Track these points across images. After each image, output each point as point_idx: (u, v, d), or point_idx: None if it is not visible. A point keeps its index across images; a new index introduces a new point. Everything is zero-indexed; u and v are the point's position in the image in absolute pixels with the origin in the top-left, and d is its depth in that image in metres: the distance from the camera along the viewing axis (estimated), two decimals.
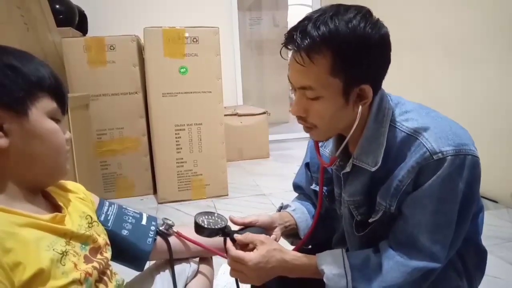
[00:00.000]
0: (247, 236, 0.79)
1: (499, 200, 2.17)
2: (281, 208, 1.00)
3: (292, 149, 3.87)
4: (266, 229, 0.89)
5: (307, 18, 0.67)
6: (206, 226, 0.78)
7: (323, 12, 0.67)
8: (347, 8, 0.67)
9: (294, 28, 0.68)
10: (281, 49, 0.71)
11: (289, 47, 0.69)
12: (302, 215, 0.96)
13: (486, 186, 2.19)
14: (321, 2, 4.36)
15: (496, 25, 2.12)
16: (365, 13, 0.67)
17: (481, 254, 0.82)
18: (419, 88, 2.73)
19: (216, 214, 0.83)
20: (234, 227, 0.87)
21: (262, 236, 0.80)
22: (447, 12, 2.46)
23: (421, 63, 2.72)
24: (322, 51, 0.65)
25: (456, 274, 0.77)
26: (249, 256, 0.75)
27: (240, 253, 0.76)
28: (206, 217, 0.81)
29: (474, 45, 2.28)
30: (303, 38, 0.66)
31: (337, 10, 0.66)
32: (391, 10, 2.96)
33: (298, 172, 1.06)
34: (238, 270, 0.77)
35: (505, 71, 2.10)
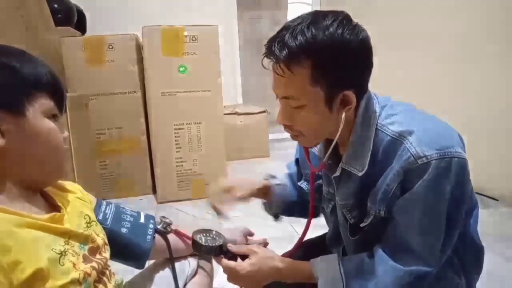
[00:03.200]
0: (241, 248, 0.82)
1: (499, 197, 2.17)
2: (269, 177, 1.03)
3: (292, 148, 3.83)
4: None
5: (285, 28, 0.68)
6: (203, 243, 0.81)
7: (301, 21, 0.67)
8: (325, 14, 0.67)
9: (273, 39, 0.69)
10: (262, 59, 0.71)
11: (270, 57, 0.69)
12: (284, 191, 0.99)
13: (486, 183, 2.19)
14: (321, 0, 4.35)
15: (495, 22, 2.12)
16: (342, 19, 0.66)
17: (478, 251, 0.82)
18: (416, 85, 2.73)
19: (214, 232, 0.85)
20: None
21: (255, 246, 0.82)
22: (444, 10, 2.46)
23: (418, 60, 2.72)
24: (301, 61, 0.66)
25: (453, 271, 0.77)
26: (241, 266, 0.78)
27: (231, 263, 0.79)
28: (204, 234, 0.83)
29: (470, 43, 2.28)
30: (282, 49, 0.66)
31: (314, 18, 0.66)
32: (390, 8, 2.95)
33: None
34: (233, 278, 0.80)
35: (504, 68, 2.09)
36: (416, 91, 2.68)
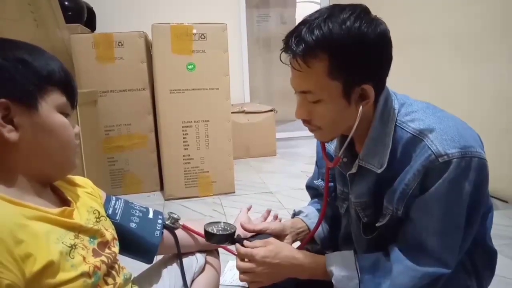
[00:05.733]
0: (255, 243, 0.80)
1: (509, 199, 2.15)
2: (294, 214, 1.01)
3: (299, 147, 3.86)
4: (277, 236, 0.89)
5: (303, 22, 0.67)
6: (215, 232, 0.81)
7: (318, 15, 0.66)
8: (342, 8, 0.66)
9: (290, 34, 0.68)
10: (280, 54, 0.71)
11: (288, 52, 0.69)
12: (315, 219, 0.96)
13: (496, 185, 2.16)
14: None
15: (507, 21, 2.09)
16: (359, 13, 0.66)
17: (490, 254, 0.81)
18: (429, 84, 2.70)
19: (223, 223, 0.86)
20: (244, 234, 0.89)
21: (271, 238, 0.81)
22: (457, 7, 2.43)
23: (431, 59, 2.70)
24: (318, 55, 0.65)
25: (465, 274, 0.76)
26: (257, 250, 0.76)
27: (248, 249, 0.77)
28: (216, 226, 0.84)
29: (484, 41, 2.25)
30: (298, 44, 0.66)
31: (331, 12, 0.66)
32: (400, 6, 2.93)
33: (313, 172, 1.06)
34: (246, 268, 0.77)
35: None
36: (427, 91, 2.66)
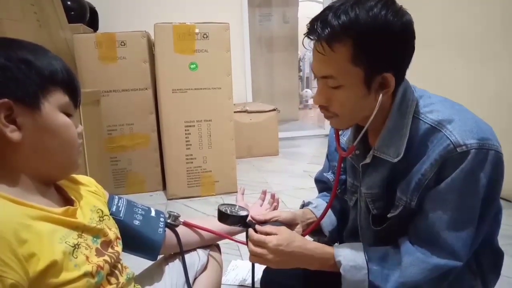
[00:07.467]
0: (266, 228, 0.79)
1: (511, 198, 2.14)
2: (303, 205, 1.01)
3: (301, 147, 3.87)
4: (288, 225, 0.89)
5: (329, 8, 0.68)
6: (229, 213, 0.81)
7: (345, 1, 0.66)
8: None
9: (316, 18, 0.68)
10: (303, 39, 0.71)
11: (311, 37, 0.69)
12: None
13: None
14: None
15: (509, 21, 2.08)
16: (386, 1, 0.66)
17: (497, 255, 0.81)
18: (430, 84, 2.68)
19: (237, 206, 0.87)
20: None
21: (283, 228, 0.80)
22: (459, 8, 2.42)
23: (433, 59, 2.68)
24: (343, 40, 0.65)
25: (470, 274, 0.76)
26: (270, 238, 0.76)
27: (261, 236, 0.77)
28: (229, 207, 0.85)
29: (485, 41, 2.24)
30: (324, 28, 0.66)
31: None
32: (404, 6, 2.91)
33: (323, 166, 1.06)
34: (258, 254, 0.76)
35: None
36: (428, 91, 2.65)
